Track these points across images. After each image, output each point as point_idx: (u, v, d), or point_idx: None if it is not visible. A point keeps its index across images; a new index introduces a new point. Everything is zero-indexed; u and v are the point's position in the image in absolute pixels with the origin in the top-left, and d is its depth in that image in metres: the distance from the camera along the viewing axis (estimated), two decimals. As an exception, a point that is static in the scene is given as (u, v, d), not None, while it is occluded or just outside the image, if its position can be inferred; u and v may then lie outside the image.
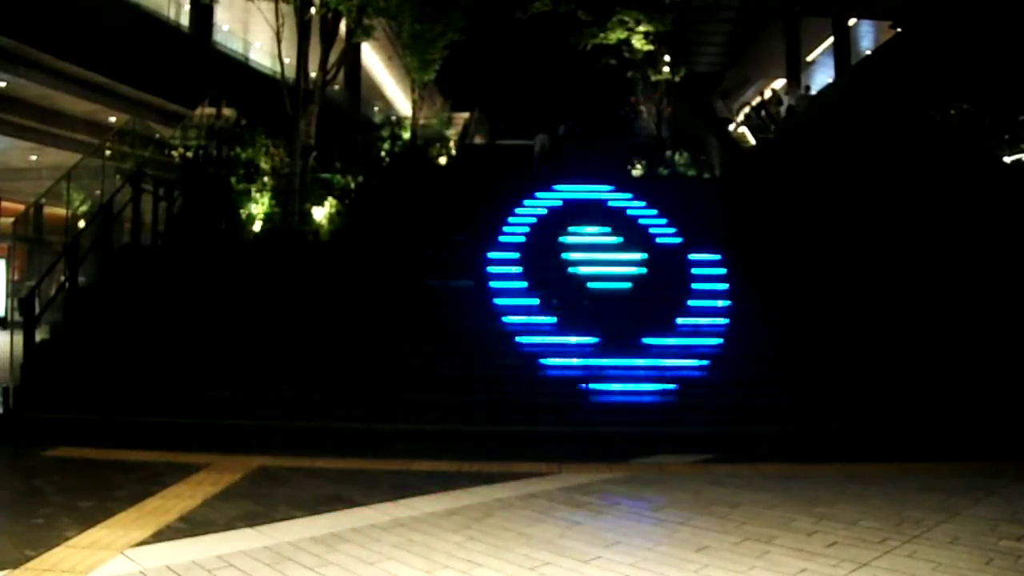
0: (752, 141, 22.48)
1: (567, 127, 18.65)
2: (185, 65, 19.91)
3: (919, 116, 12.48)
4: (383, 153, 21.14)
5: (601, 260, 10.82)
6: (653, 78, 23.13)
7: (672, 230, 11.91)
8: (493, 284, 10.10)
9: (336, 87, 24.03)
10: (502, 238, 11.48)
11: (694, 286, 10.00)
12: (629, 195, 13.18)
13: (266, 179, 14.69)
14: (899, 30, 17.27)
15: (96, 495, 5.30)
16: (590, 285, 10.07)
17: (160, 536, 4.43)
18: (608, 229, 11.61)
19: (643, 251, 10.97)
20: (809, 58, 26.11)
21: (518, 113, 32.81)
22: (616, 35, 21.02)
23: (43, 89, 17.67)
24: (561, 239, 11.38)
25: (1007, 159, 11.86)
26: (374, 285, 10.10)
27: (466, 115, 31.54)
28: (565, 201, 12.98)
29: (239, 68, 24.17)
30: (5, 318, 16.00)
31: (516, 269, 10.41)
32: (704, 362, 8.66)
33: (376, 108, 33.98)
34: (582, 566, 3.97)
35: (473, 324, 9.27)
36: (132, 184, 10.80)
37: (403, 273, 10.42)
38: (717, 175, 19.62)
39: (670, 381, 8.35)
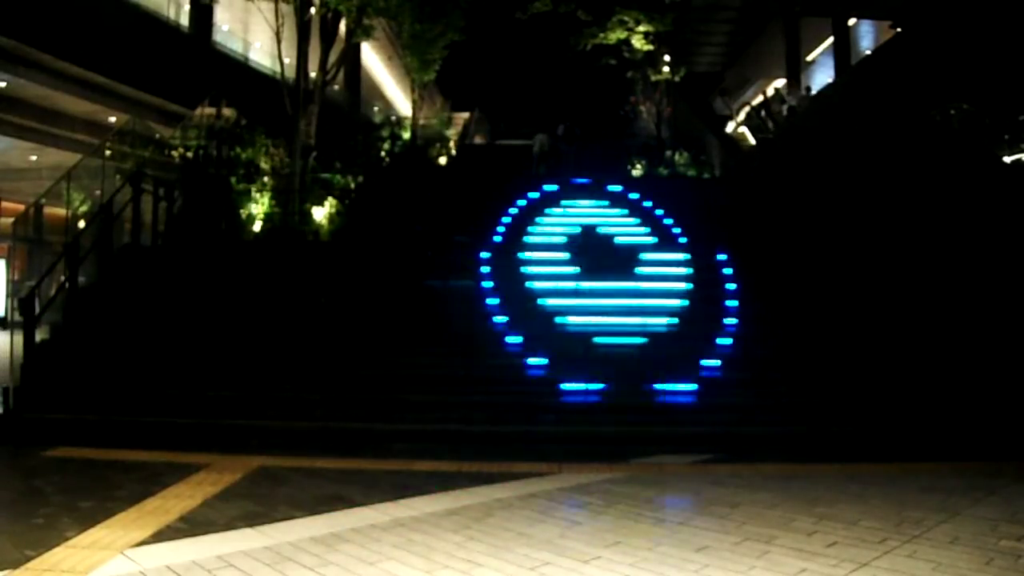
0: (752, 141, 22.47)
1: (566, 127, 18.65)
2: (185, 65, 19.91)
3: (919, 116, 12.47)
4: (383, 153, 21.14)
5: (602, 261, 10.82)
6: (653, 78, 23.14)
7: (677, 230, 11.93)
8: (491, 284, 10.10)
9: (336, 87, 24.03)
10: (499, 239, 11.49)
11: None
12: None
13: (266, 179, 14.70)
14: (899, 30, 17.26)
15: (96, 495, 5.30)
16: (586, 285, 10.07)
17: (160, 536, 4.43)
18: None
19: (643, 250, 10.99)
20: (809, 58, 26.10)
21: (518, 113, 32.83)
22: (616, 35, 21.03)
23: (43, 89, 17.67)
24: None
25: (1007, 159, 11.85)
26: (374, 285, 10.11)
27: (466, 115, 31.55)
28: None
29: (239, 68, 24.17)
30: (5, 318, 15.99)
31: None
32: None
33: (376, 108, 33.98)
34: (582, 566, 3.97)
35: (473, 324, 9.27)
36: (132, 184, 10.80)
37: (403, 273, 10.43)
38: (717, 175, 19.62)
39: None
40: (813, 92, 21.42)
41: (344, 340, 9.00)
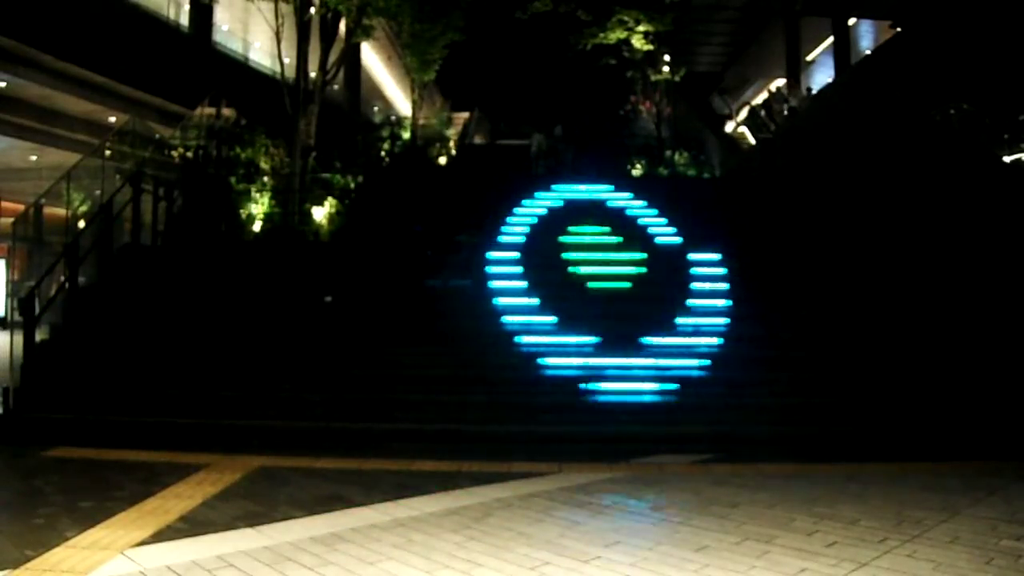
0: (752, 141, 22.50)
1: (564, 127, 18.66)
2: (185, 65, 19.91)
3: (919, 116, 12.47)
4: (383, 153, 21.18)
5: (601, 260, 10.82)
6: (653, 78, 23.18)
7: (672, 230, 11.91)
8: (493, 284, 10.10)
9: (336, 87, 24.02)
10: (501, 238, 11.48)
11: (694, 286, 10.00)
12: (629, 195, 13.17)
13: (266, 179, 14.71)
14: (899, 30, 17.27)
15: (96, 495, 5.30)
16: (590, 285, 10.08)
17: (160, 536, 4.43)
18: (608, 229, 11.63)
19: (643, 251, 10.98)
20: (809, 58, 26.12)
21: (518, 113, 32.83)
22: (616, 35, 21.05)
23: (43, 89, 17.68)
24: (561, 239, 11.39)
25: (1007, 159, 11.85)
26: (374, 285, 10.11)
27: (466, 115, 31.56)
28: (565, 201, 12.99)
29: (239, 68, 24.18)
30: (5, 318, 15.98)
31: (516, 269, 10.41)
32: (704, 362, 8.66)
33: (376, 108, 33.99)
34: (582, 566, 3.97)
35: (473, 324, 9.27)
36: (132, 184, 10.80)
37: (403, 273, 10.43)
38: (717, 175, 19.63)
39: (670, 381, 8.35)
40: (814, 93, 21.44)
41: (344, 340, 8.99)
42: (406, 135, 23.67)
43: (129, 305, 9.46)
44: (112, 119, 19.13)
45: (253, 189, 14.24)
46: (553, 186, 13.48)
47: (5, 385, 8.19)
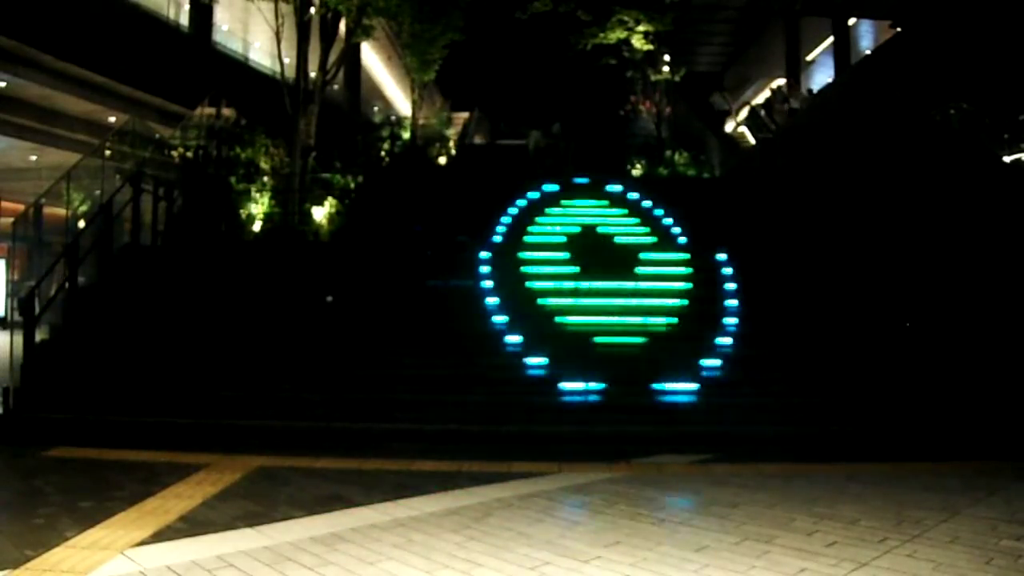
0: (752, 141, 22.50)
1: (562, 126, 18.65)
2: (185, 65, 19.91)
3: (919, 116, 12.47)
4: (383, 153, 21.17)
5: (600, 259, 10.81)
6: (653, 78, 23.18)
7: (677, 230, 11.94)
8: (488, 284, 10.09)
9: (336, 87, 24.04)
10: (496, 238, 11.49)
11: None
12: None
13: (266, 179, 14.71)
14: (899, 30, 17.27)
15: (96, 495, 5.30)
16: (585, 284, 10.07)
17: (160, 536, 4.43)
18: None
19: (643, 250, 10.99)
20: (809, 58, 26.13)
21: (518, 113, 32.84)
22: (616, 35, 21.05)
23: (43, 89, 17.68)
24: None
25: (1007, 159, 11.85)
26: (374, 285, 10.11)
27: (466, 115, 31.55)
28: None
29: (239, 68, 24.19)
30: (5, 318, 15.99)
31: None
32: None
33: (376, 108, 33.99)
34: (582, 566, 3.97)
35: (473, 324, 9.28)
36: (132, 184, 10.80)
37: (403, 273, 10.42)
38: (717, 175, 19.63)
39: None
40: (814, 93, 21.45)
41: (344, 340, 9.00)
42: (406, 135, 23.67)
43: (129, 305, 9.46)
44: (112, 119, 19.13)
45: (253, 189, 14.24)
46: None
47: (5, 385, 8.19)
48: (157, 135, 15.81)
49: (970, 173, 10.97)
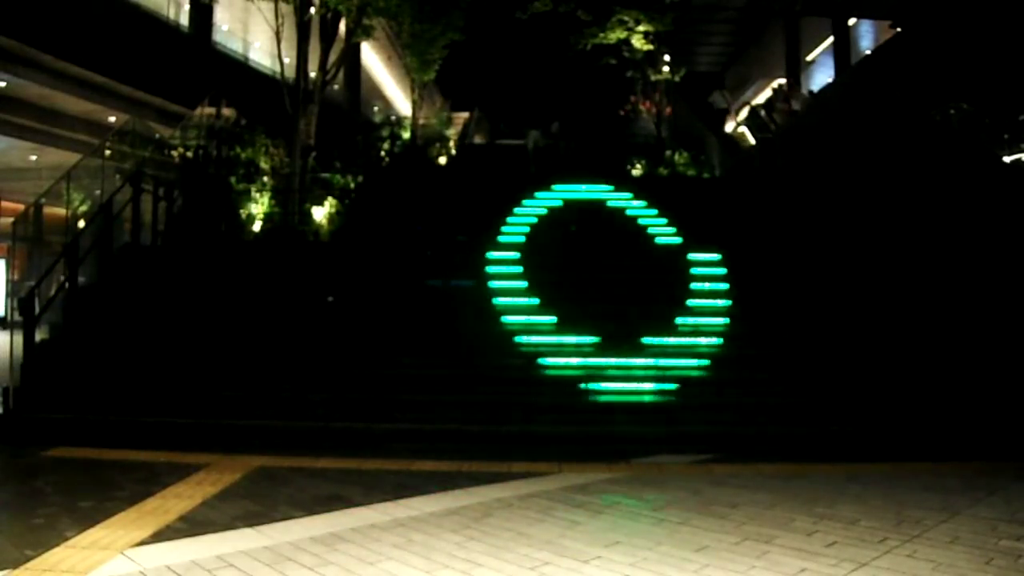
0: (752, 141, 22.49)
1: (561, 125, 18.63)
2: (185, 65, 19.92)
3: (919, 116, 12.47)
4: (383, 153, 21.16)
5: (601, 260, 10.82)
6: (653, 78, 23.18)
7: (672, 230, 11.92)
8: (493, 284, 10.10)
9: (336, 87, 24.04)
10: (501, 238, 11.49)
11: (694, 286, 10.00)
12: (629, 195, 13.18)
13: (266, 179, 14.70)
14: (899, 30, 17.27)
15: (96, 495, 5.30)
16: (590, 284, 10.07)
17: (160, 536, 4.43)
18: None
19: (643, 251, 11.00)
20: (809, 58, 26.13)
21: (518, 113, 32.86)
22: (616, 35, 21.06)
23: (43, 89, 17.68)
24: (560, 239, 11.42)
25: (1007, 159, 11.85)
26: (374, 285, 10.10)
27: (466, 115, 31.56)
28: (565, 201, 13.00)
29: (239, 68, 24.20)
30: (5, 318, 15.99)
31: (516, 269, 10.41)
32: (704, 362, 8.67)
33: (376, 108, 34.01)
34: (582, 566, 3.98)
35: (473, 324, 9.27)
36: (132, 184, 10.79)
37: (403, 273, 10.42)
38: (717, 175, 19.62)
39: (670, 381, 8.35)
40: (815, 93, 21.44)
41: (344, 340, 8.99)
42: (406, 135, 23.67)
43: (129, 305, 9.46)
44: (112, 119, 19.15)
45: (253, 189, 14.23)
46: (554, 185, 13.48)
47: (5, 385, 8.19)
48: (157, 135, 15.82)
49: (970, 173, 10.97)
